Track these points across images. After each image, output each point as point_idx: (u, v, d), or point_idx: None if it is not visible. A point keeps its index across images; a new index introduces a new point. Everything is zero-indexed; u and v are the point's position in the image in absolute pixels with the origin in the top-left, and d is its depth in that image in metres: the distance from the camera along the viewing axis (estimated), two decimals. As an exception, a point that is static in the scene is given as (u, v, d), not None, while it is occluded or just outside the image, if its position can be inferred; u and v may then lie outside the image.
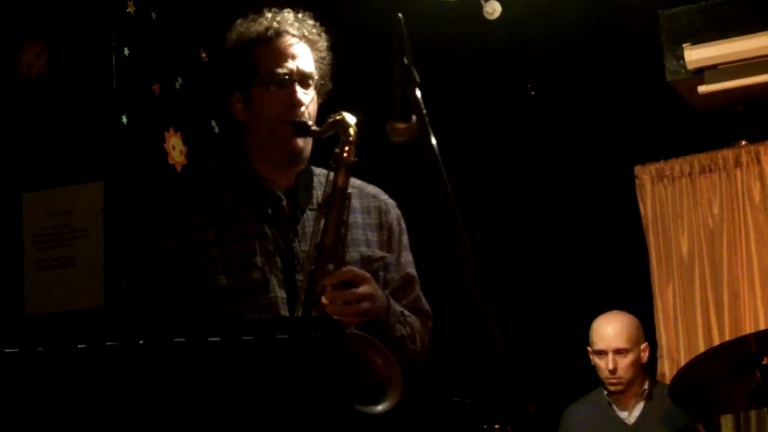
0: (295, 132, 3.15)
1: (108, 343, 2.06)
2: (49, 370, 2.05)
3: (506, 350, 2.32)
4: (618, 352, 5.45)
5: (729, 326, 6.41)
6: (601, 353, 5.49)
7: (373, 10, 5.03)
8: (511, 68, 6.71)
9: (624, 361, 5.44)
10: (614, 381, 5.45)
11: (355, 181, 3.22)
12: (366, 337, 2.88)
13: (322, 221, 3.07)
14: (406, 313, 3.20)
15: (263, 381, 2.06)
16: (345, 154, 3.07)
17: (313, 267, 3.03)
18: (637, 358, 5.49)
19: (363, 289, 3.00)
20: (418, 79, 2.54)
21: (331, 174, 3.11)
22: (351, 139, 3.06)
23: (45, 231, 4.96)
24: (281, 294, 3.09)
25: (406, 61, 2.54)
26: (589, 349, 5.64)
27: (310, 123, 3.16)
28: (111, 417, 2.03)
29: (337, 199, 3.07)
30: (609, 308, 5.82)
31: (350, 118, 3.07)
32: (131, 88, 5.01)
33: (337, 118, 3.08)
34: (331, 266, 3.03)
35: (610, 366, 5.42)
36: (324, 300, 2.97)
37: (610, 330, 5.51)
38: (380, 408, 2.80)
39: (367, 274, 3.06)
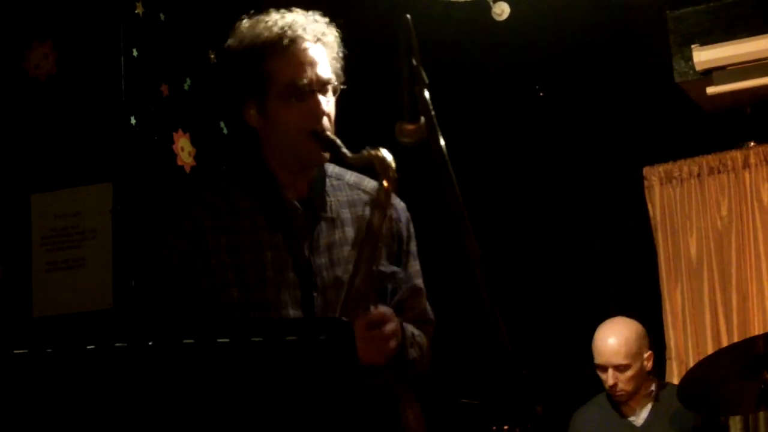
0: (323, 147, 3.03)
1: (117, 345, 2.06)
2: (58, 372, 2.05)
3: (514, 352, 2.31)
4: (617, 368, 5.38)
5: (737, 328, 6.42)
6: (602, 368, 5.44)
7: (381, 11, 5.03)
8: (520, 69, 6.72)
9: (624, 376, 5.36)
10: (616, 394, 5.41)
11: (369, 183, 3.17)
12: (408, 392, 2.88)
13: (354, 260, 2.99)
14: (416, 333, 3.13)
15: (272, 382, 2.06)
16: (383, 196, 2.98)
17: (340, 312, 2.96)
18: (639, 370, 5.40)
19: (389, 327, 2.94)
20: (426, 81, 2.53)
21: (348, 194, 3.09)
22: (391, 180, 2.97)
23: (53, 232, 4.96)
24: (294, 312, 3.01)
25: (414, 62, 2.53)
26: (596, 351, 5.62)
27: (339, 143, 3.01)
28: (120, 418, 2.03)
29: (371, 241, 2.98)
30: (617, 310, 5.80)
31: (389, 157, 2.96)
32: (140, 89, 5.01)
33: (375, 154, 2.96)
34: (359, 306, 2.95)
35: (611, 382, 5.35)
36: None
37: (609, 345, 5.38)
38: None
39: (391, 312, 2.99)
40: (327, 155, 3.07)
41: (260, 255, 3.05)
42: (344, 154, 3.00)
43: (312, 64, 3.04)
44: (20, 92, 5.12)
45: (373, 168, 2.99)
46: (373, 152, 2.96)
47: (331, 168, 3.21)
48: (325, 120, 3.03)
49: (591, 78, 6.77)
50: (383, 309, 2.99)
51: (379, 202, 2.99)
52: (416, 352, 3.11)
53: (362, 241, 2.99)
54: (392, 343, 2.94)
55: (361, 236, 3.01)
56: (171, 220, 3.24)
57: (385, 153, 2.95)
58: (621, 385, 5.36)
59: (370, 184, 3.20)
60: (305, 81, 3.02)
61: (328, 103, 3.06)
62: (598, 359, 5.42)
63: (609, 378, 5.36)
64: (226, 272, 3.04)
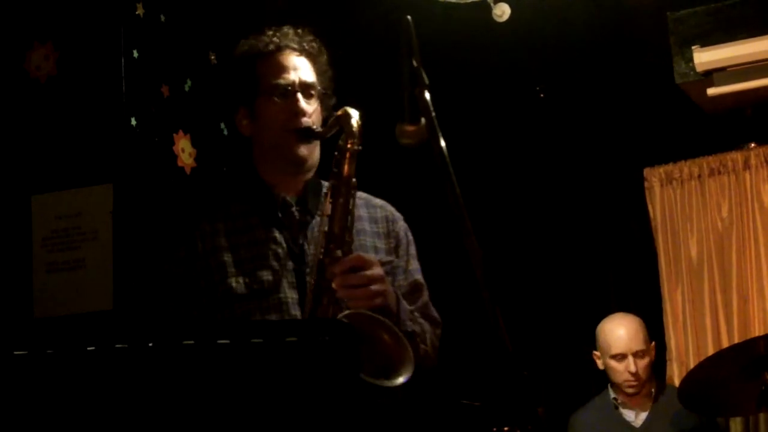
0: (300, 139, 3.18)
1: (117, 346, 2.06)
2: (58, 373, 2.05)
3: (515, 353, 2.31)
4: (637, 354, 5.41)
5: (738, 329, 6.41)
6: (620, 357, 5.43)
7: (382, 13, 5.03)
8: (520, 71, 6.72)
9: (643, 362, 5.41)
10: (634, 383, 5.42)
11: (361, 194, 3.26)
12: (373, 316, 2.88)
13: (329, 209, 3.09)
14: (417, 314, 3.21)
15: (272, 383, 2.06)
16: (349, 144, 3.10)
17: (321, 256, 3.05)
18: (650, 360, 5.47)
19: (372, 271, 3.01)
20: (426, 82, 2.54)
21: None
22: (354, 129, 3.09)
23: (54, 234, 4.96)
24: (292, 294, 3.11)
25: (415, 63, 2.54)
26: (596, 353, 5.60)
27: (314, 126, 3.19)
28: (120, 419, 2.03)
29: (343, 188, 3.10)
30: (617, 311, 5.79)
31: (352, 111, 3.10)
32: (140, 90, 5.01)
33: (339, 113, 3.12)
34: (339, 252, 3.04)
35: (632, 369, 5.37)
36: (334, 285, 2.98)
37: (626, 333, 5.45)
38: (394, 382, 2.80)
39: (375, 260, 3.07)
40: (307, 151, 3.21)
41: (258, 249, 3.16)
42: (318, 132, 3.20)
43: (295, 68, 3.26)
44: (21, 93, 5.13)
45: (341, 126, 3.14)
46: (338, 113, 3.13)
47: (327, 184, 3.27)
48: (306, 119, 3.19)
49: (591, 79, 6.76)
50: (363, 255, 3.10)
51: (346, 149, 3.11)
52: (416, 327, 3.17)
53: (334, 189, 3.12)
54: (375, 287, 2.99)
55: (333, 187, 3.13)
56: (170, 229, 3.30)
57: (348, 109, 3.12)
58: (640, 372, 5.39)
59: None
60: (287, 81, 3.22)
61: (310, 106, 3.23)
62: (617, 349, 5.44)
63: (630, 365, 5.38)
64: (225, 268, 3.14)
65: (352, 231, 3.12)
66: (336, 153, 3.14)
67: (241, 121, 3.30)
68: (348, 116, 3.09)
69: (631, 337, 5.43)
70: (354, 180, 3.12)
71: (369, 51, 5.43)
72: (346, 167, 3.10)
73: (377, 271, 3.02)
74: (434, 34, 4.53)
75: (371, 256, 3.12)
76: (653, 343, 5.56)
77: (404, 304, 3.14)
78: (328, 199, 3.11)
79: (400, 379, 2.80)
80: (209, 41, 5.42)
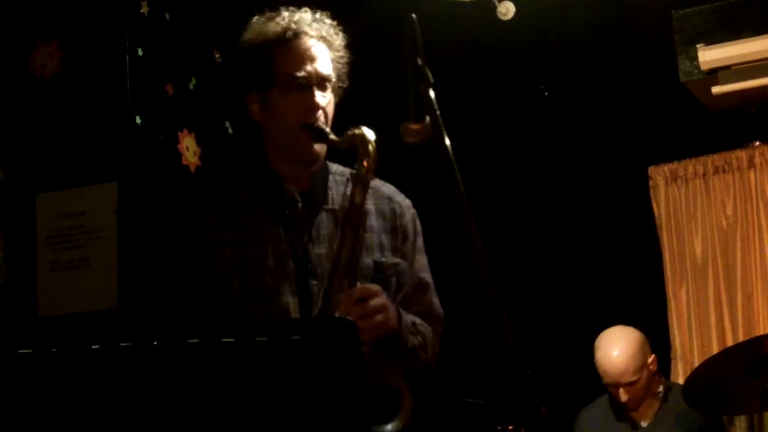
0: (313, 138, 3.11)
1: (121, 344, 2.06)
2: (62, 371, 2.05)
3: (519, 351, 2.31)
4: (627, 385, 5.34)
5: (742, 327, 6.41)
6: (610, 385, 5.40)
7: (386, 11, 5.03)
8: (525, 69, 6.71)
9: (635, 389, 5.33)
10: (629, 406, 5.39)
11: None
12: (385, 359, 2.88)
13: (338, 237, 3.04)
14: (417, 322, 3.17)
15: (277, 382, 2.06)
16: (364, 171, 3.02)
17: (327, 286, 3.00)
18: (647, 377, 5.38)
19: (375, 301, 2.97)
20: (431, 80, 2.53)
21: (349, 188, 3.11)
22: (370, 156, 3.01)
23: (58, 232, 4.96)
24: (293, 300, 3.06)
25: (419, 61, 2.53)
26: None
27: (328, 130, 3.11)
28: (125, 418, 2.03)
29: (354, 217, 3.03)
30: (622, 309, 5.78)
31: (369, 134, 3.01)
32: (145, 88, 5.01)
33: (357, 132, 3.02)
34: (345, 282, 2.99)
35: (623, 398, 5.31)
36: (337, 315, 2.94)
37: (615, 366, 5.30)
38: (390, 428, 2.80)
39: (378, 288, 3.03)
40: (319, 149, 3.15)
41: (261, 248, 3.11)
42: (332, 140, 3.10)
43: (312, 59, 3.15)
44: (25, 92, 5.13)
45: (356, 147, 3.05)
46: (355, 131, 3.03)
47: (335, 167, 3.28)
48: (320, 114, 3.11)
49: (596, 77, 6.76)
50: (369, 285, 3.04)
51: (360, 178, 3.05)
52: (417, 340, 3.14)
53: (345, 218, 3.05)
54: (378, 318, 2.96)
55: (344, 214, 3.07)
56: (174, 218, 3.26)
57: (365, 130, 3.02)
58: (633, 397, 5.34)
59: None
60: (304, 74, 3.12)
61: (325, 98, 3.14)
62: (607, 379, 5.38)
63: (621, 395, 5.32)
64: (227, 265, 3.09)
65: (360, 259, 3.07)
66: (350, 178, 3.10)
67: (252, 105, 3.20)
68: (366, 140, 3.01)
69: (621, 371, 5.31)
70: (364, 209, 3.07)
71: (373, 49, 5.43)
72: (358, 195, 3.03)
73: (380, 300, 2.98)
74: (439, 32, 4.53)
75: (375, 286, 3.04)
76: (652, 358, 5.44)
77: (406, 319, 3.10)
78: (339, 226, 3.06)
79: (393, 426, 2.81)
80: (214, 39, 5.42)
